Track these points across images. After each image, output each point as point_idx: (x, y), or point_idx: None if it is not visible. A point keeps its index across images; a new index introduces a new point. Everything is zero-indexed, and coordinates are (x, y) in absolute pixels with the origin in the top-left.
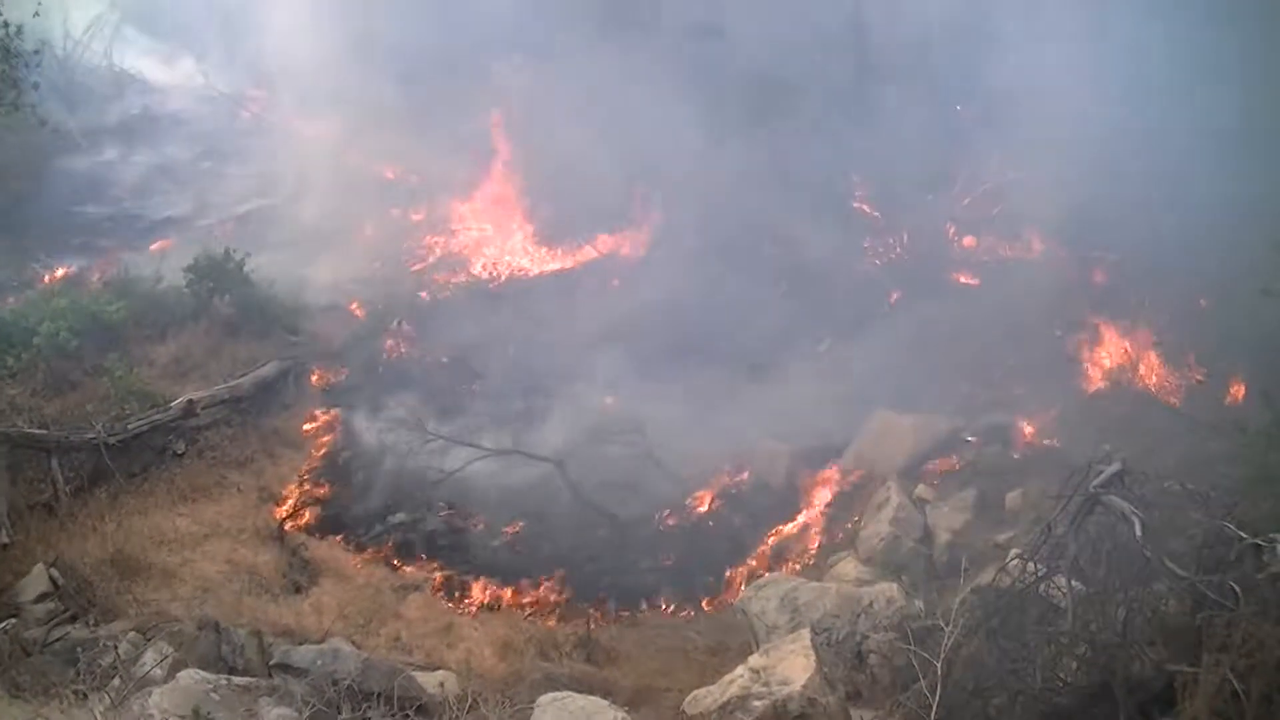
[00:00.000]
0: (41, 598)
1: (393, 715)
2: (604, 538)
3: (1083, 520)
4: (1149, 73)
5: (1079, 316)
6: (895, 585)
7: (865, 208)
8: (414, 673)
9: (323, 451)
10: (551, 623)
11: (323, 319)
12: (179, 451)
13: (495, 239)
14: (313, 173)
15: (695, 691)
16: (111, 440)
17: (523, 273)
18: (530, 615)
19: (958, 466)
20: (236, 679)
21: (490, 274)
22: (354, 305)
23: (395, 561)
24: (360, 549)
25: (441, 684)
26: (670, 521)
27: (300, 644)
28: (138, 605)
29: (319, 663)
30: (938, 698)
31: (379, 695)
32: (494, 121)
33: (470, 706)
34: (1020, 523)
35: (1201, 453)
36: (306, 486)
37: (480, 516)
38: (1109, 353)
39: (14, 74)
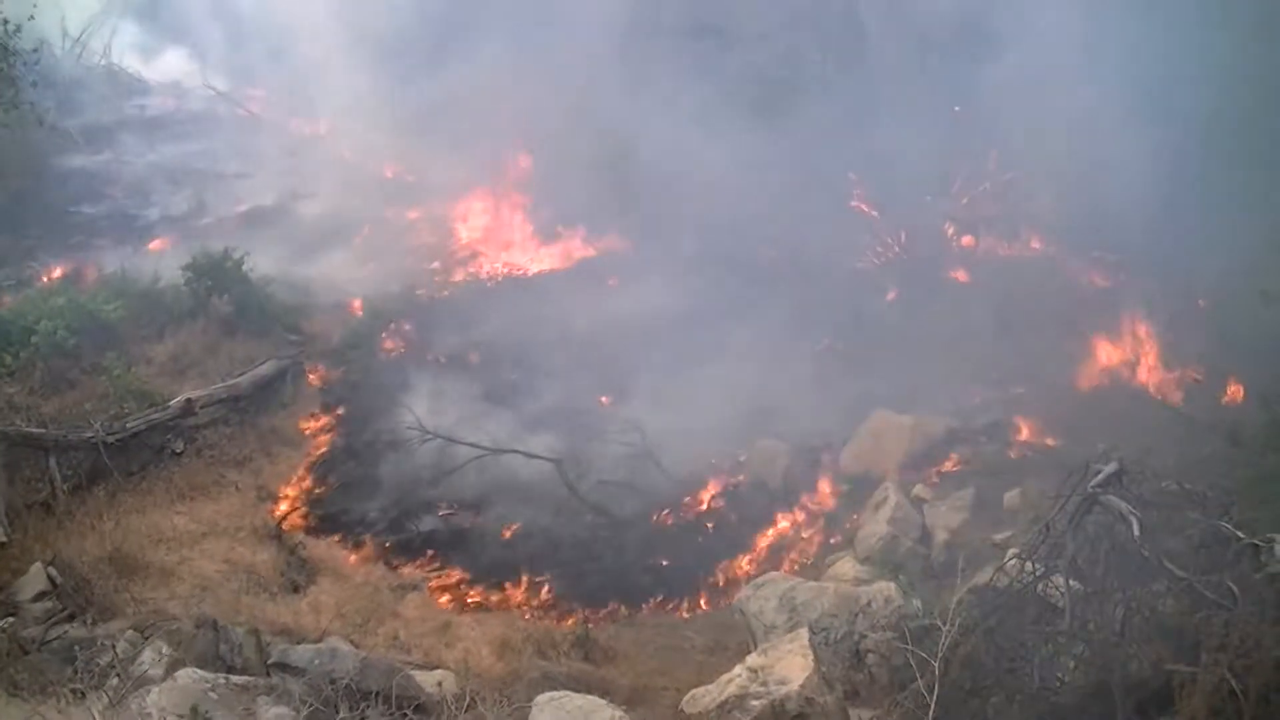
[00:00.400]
0: (39, 596)
1: (390, 714)
2: (602, 536)
3: (1081, 520)
4: (1148, 73)
5: (1077, 316)
6: (893, 585)
7: (864, 207)
8: (412, 672)
9: (321, 450)
10: (549, 622)
11: (321, 318)
12: (177, 450)
13: (494, 237)
14: (311, 172)
15: (693, 691)
16: (109, 439)
17: (520, 271)
18: (528, 614)
19: (956, 466)
20: (234, 678)
21: (488, 272)
22: (352, 304)
23: (393, 561)
24: (358, 548)
25: (439, 683)
26: (668, 520)
27: (298, 643)
28: (136, 604)
29: (317, 662)
30: (935, 697)
31: (377, 694)
32: (492, 120)
33: (468, 705)
34: (1018, 522)
35: (1199, 452)
36: (304, 485)
37: (478, 515)
38: (1107, 352)
39: (12, 72)
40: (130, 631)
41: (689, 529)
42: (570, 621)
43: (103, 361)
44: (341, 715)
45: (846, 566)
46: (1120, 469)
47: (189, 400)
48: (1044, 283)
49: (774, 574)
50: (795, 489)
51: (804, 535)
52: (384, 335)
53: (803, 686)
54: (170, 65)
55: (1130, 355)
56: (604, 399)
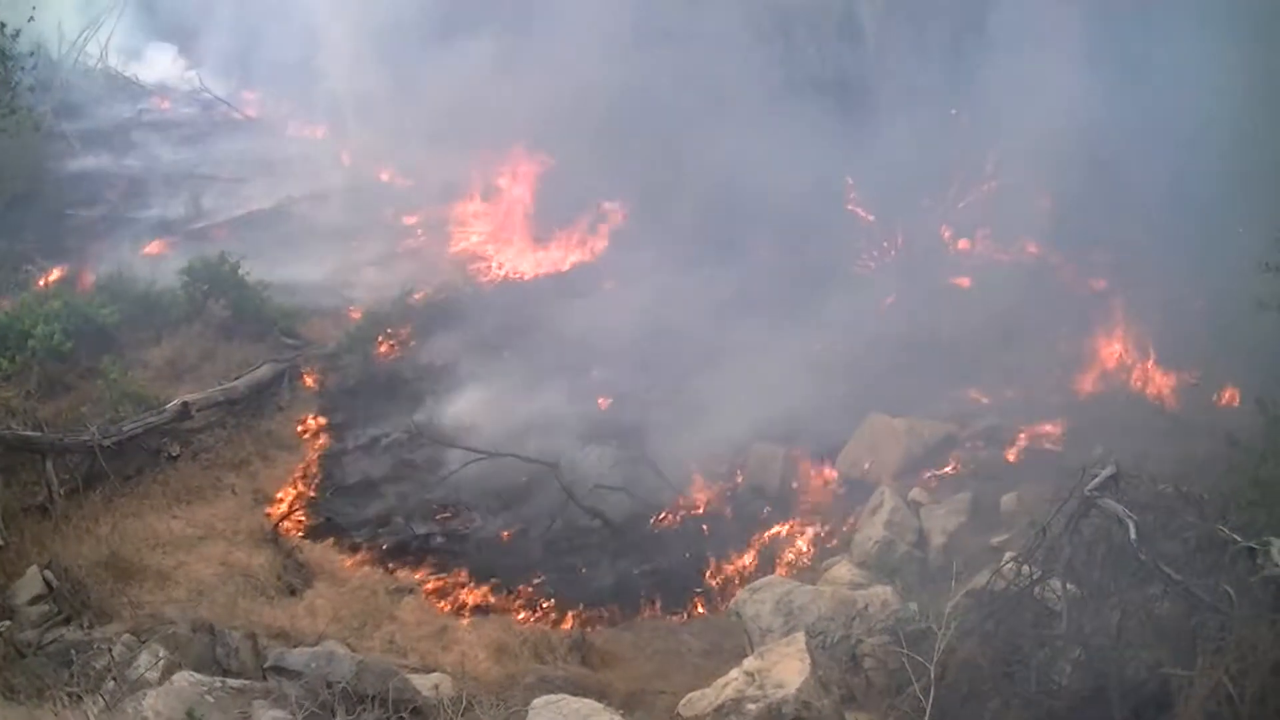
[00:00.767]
0: (35, 600)
1: (387, 718)
2: (598, 540)
3: (1077, 523)
4: (1147, 77)
5: (1074, 320)
6: (889, 588)
7: (859, 210)
8: (409, 675)
9: (317, 454)
10: (546, 625)
11: (318, 321)
12: (174, 454)
13: (491, 242)
14: (308, 176)
15: (690, 694)
16: (106, 443)
17: (518, 275)
18: (525, 618)
19: (952, 470)
20: (231, 681)
21: (486, 276)
22: (349, 308)
23: (389, 564)
24: (354, 551)
25: (436, 686)
26: (665, 524)
27: (295, 646)
28: (132, 607)
29: (313, 665)
30: (931, 701)
31: (374, 698)
32: (492, 122)
33: (465, 709)
34: (1015, 526)
35: (1196, 456)
36: (301, 489)
37: (474, 519)
38: (1104, 356)
39: (9, 76)
40: (126, 635)
41: (685, 532)
42: (567, 625)
43: (99, 365)
44: (338, 719)
45: (843, 570)
46: (1117, 472)
47: (185, 404)
48: (1041, 286)
49: (770, 577)
50: (792, 492)
51: (800, 539)
52: (381, 339)
53: (799, 690)
54: (167, 69)
55: (1127, 359)
56: (601, 402)
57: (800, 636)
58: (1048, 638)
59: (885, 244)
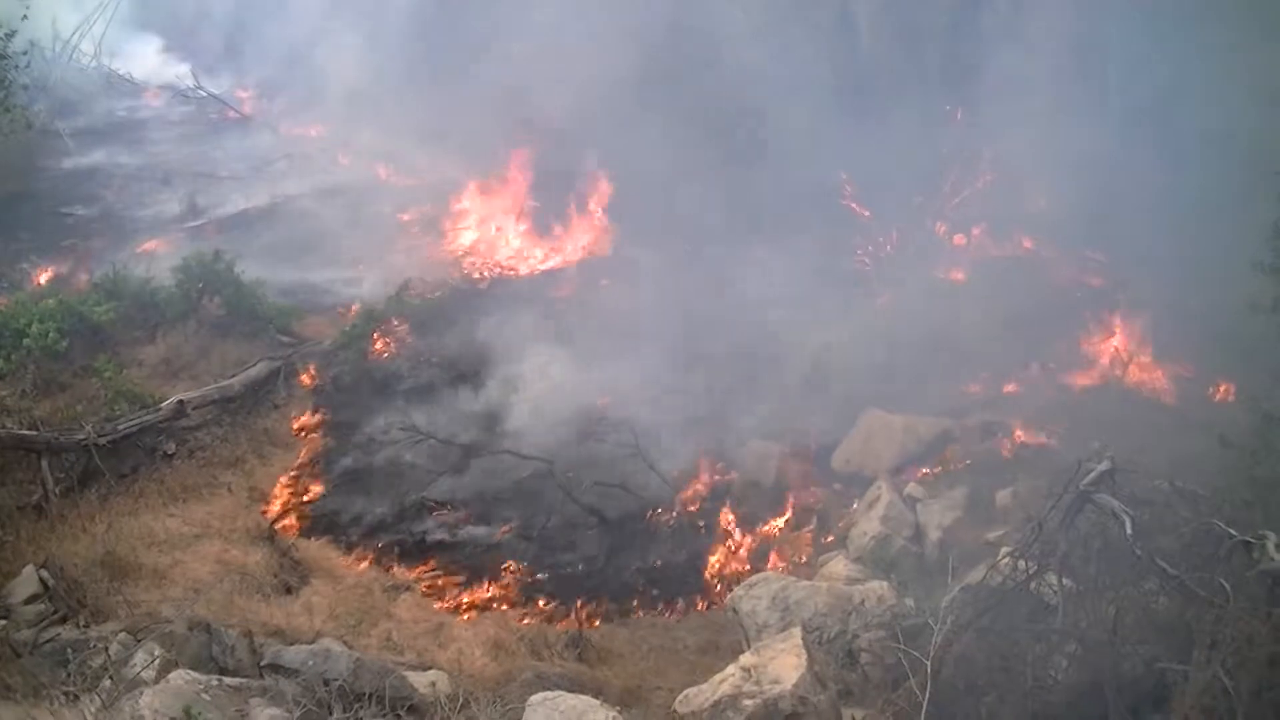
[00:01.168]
0: (32, 599)
1: (384, 715)
2: (595, 537)
3: (1073, 518)
4: (1143, 73)
5: (1069, 316)
6: (886, 583)
7: (855, 206)
8: (405, 673)
9: (313, 451)
10: (543, 622)
11: (313, 319)
12: (169, 452)
13: (486, 239)
14: (304, 173)
15: (686, 690)
16: (101, 441)
17: (511, 272)
18: (521, 615)
19: (948, 465)
20: (228, 679)
21: (480, 274)
22: (345, 305)
23: (385, 561)
24: (351, 549)
25: (433, 684)
26: (661, 521)
27: (291, 644)
28: (128, 606)
29: (310, 663)
30: (928, 696)
31: (370, 695)
32: (486, 120)
33: (462, 706)
34: (1011, 521)
35: (1191, 451)
36: (297, 486)
37: (471, 516)
38: (1099, 352)
39: (3, 75)
40: (123, 634)
41: (682, 529)
42: (564, 622)
43: (94, 363)
44: (335, 716)
45: (839, 566)
46: (1112, 468)
47: (181, 402)
48: (1036, 282)
49: (767, 573)
50: (788, 489)
51: (797, 534)
52: (376, 336)
53: (796, 686)
54: (161, 67)
55: (1122, 355)
56: (598, 399)
57: (796, 632)
58: (1044, 632)
59: (880, 239)
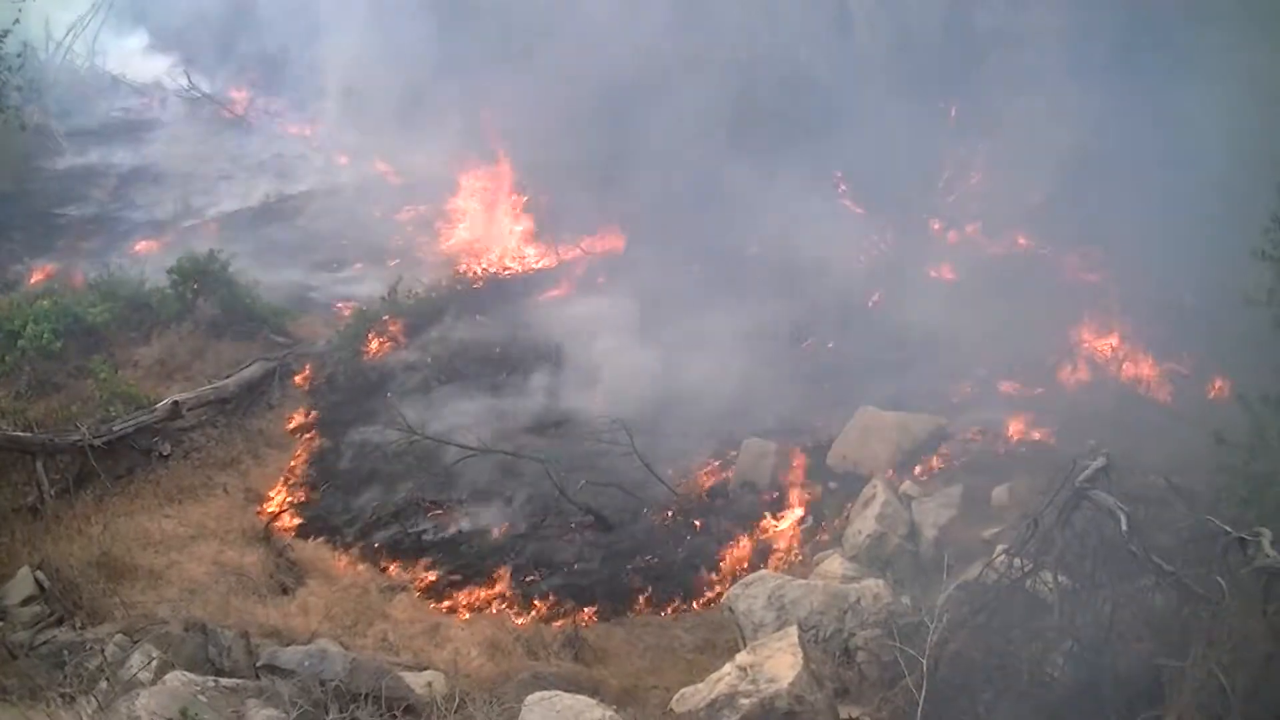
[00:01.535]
0: (27, 601)
1: (380, 716)
2: (590, 536)
3: (1069, 516)
4: (1137, 69)
5: (1064, 312)
6: (882, 582)
7: (848, 203)
8: (402, 673)
9: (308, 451)
10: (539, 622)
11: (308, 319)
12: (165, 453)
13: (483, 238)
14: (298, 173)
15: (683, 690)
16: (97, 442)
17: (508, 271)
18: (518, 615)
19: (944, 463)
20: (224, 680)
21: (476, 272)
22: (340, 305)
23: (381, 562)
24: (346, 549)
25: (429, 684)
26: (656, 520)
27: (287, 645)
28: (124, 607)
29: (306, 663)
30: (924, 694)
31: (367, 696)
32: (484, 120)
33: (458, 706)
34: (1007, 518)
35: (1187, 447)
36: (292, 487)
37: (467, 516)
38: (1095, 348)
39: None
40: (119, 635)
41: (677, 528)
42: (560, 622)
43: (89, 364)
44: (331, 717)
45: (835, 564)
46: (1108, 465)
47: (176, 403)
48: (1030, 279)
49: (763, 572)
50: (783, 487)
51: (792, 533)
52: (371, 336)
53: (792, 684)
54: (155, 67)
55: (1118, 352)
56: (594, 398)
57: (793, 631)
58: (1040, 630)
59: (874, 237)
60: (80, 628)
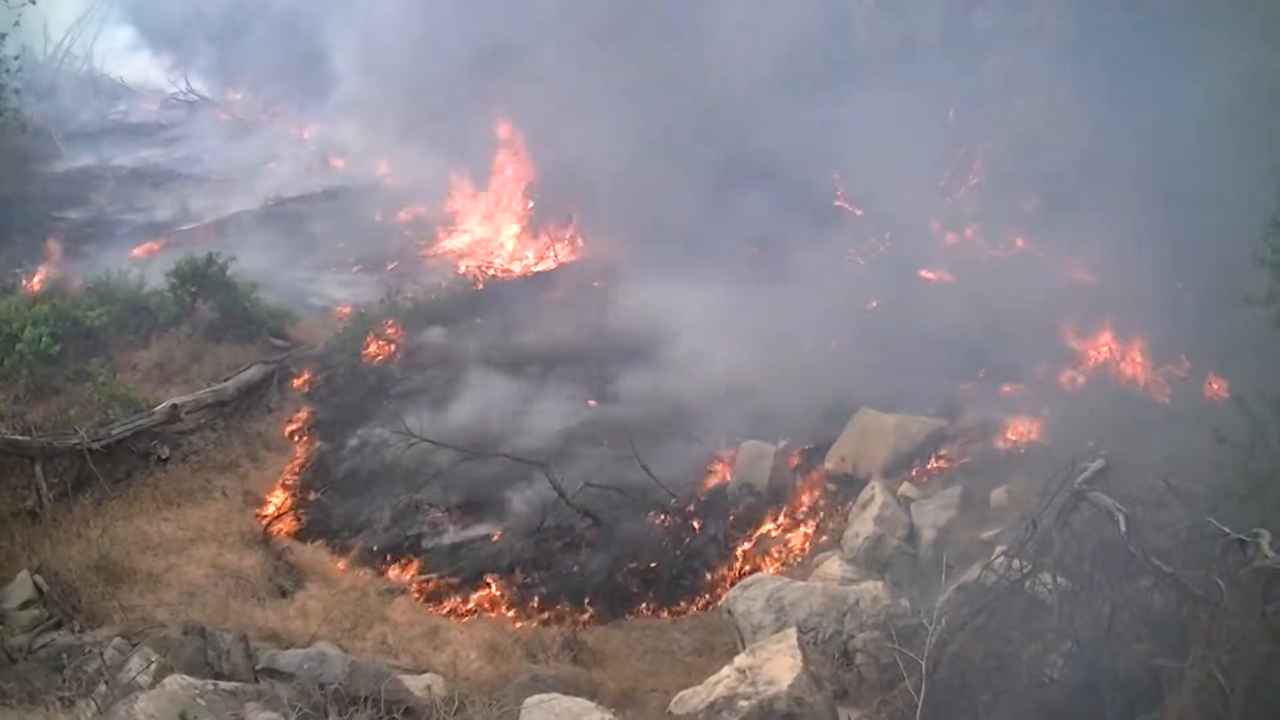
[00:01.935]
0: (26, 604)
1: (380, 719)
2: (589, 538)
3: (1068, 517)
4: (1135, 69)
5: (1063, 313)
6: (880, 584)
7: (847, 205)
8: (401, 676)
9: (306, 455)
10: (538, 624)
11: (307, 322)
12: (163, 456)
13: (481, 240)
14: (296, 175)
15: (682, 692)
16: (95, 446)
17: (506, 274)
18: (516, 617)
19: (942, 465)
20: (223, 684)
21: (475, 275)
22: (338, 308)
23: (380, 565)
24: (345, 552)
25: (428, 687)
26: (655, 522)
27: (286, 648)
28: (123, 611)
29: (305, 666)
30: (923, 696)
31: (366, 699)
32: (482, 122)
33: (457, 709)
34: (1005, 520)
35: (1185, 448)
36: (290, 490)
37: (465, 519)
38: (1093, 349)
39: None
40: (118, 639)
41: (676, 530)
42: (559, 624)
43: (88, 368)
44: None
45: (834, 566)
46: (1107, 466)
47: (175, 406)
48: (1029, 280)
49: (761, 574)
50: (782, 489)
51: (791, 535)
52: (370, 339)
53: (791, 687)
54: (153, 70)
55: (1116, 353)
56: (591, 402)
57: (791, 633)
58: (1039, 631)
59: (873, 239)
60: (79, 631)
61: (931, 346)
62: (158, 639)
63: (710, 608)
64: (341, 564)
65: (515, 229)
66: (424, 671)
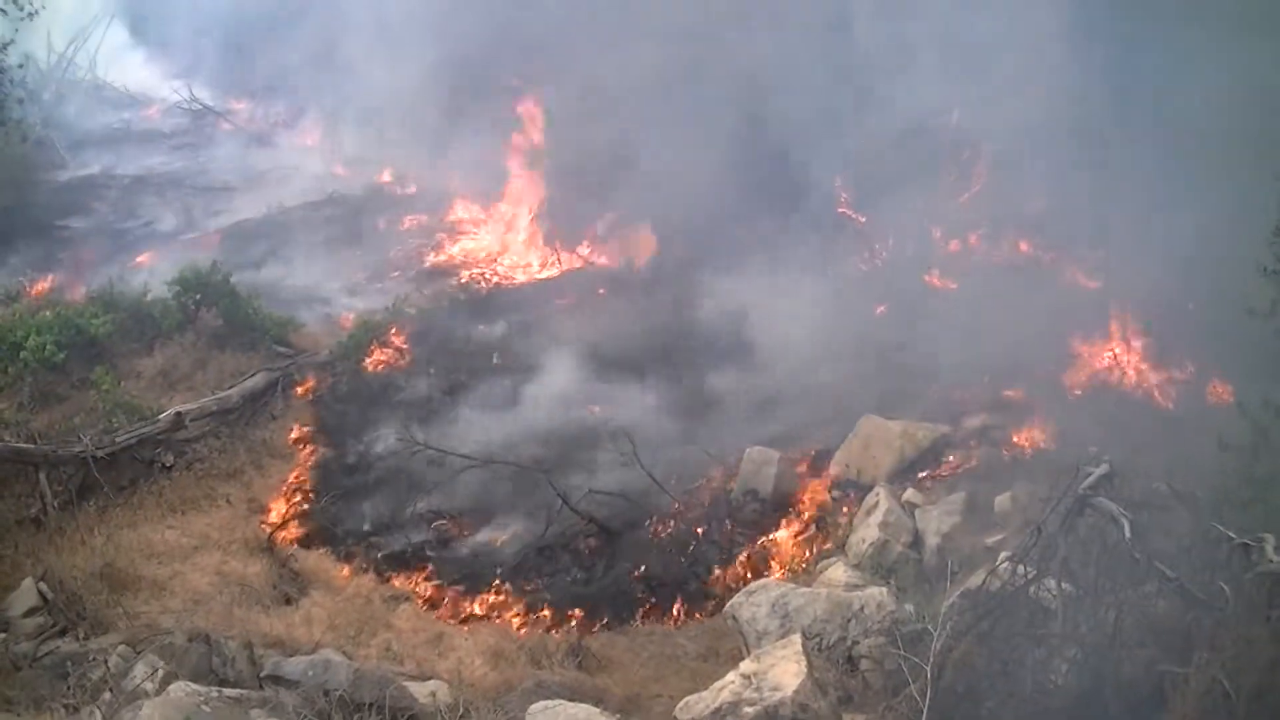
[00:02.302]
0: (31, 612)
1: None
2: (593, 545)
3: (1072, 522)
4: (1137, 74)
5: (1066, 319)
6: (885, 589)
7: (849, 212)
8: (405, 683)
9: (310, 462)
10: (542, 631)
11: (311, 330)
12: (167, 464)
13: (485, 248)
14: (300, 184)
15: (686, 698)
16: (99, 453)
17: (509, 281)
18: (521, 624)
19: (946, 470)
20: (228, 691)
21: (480, 282)
22: (342, 316)
23: (384, 572)
24: (349, 559)
25: (433, 694)
26: (660, 529)
27: (291, 655)
28: (128, 618)
29: (310, 674)
30: (928, 701)
31: (371, 706)
32: (497, 131)
33: (462, 716)
34: (1010, 525)
35: (1189, 453)
36: (294, 498)
37: (469, 526)
38: (1097, 355)
39: None
40: (123, 646)
41: (680, 537)
42: (563, 631)
43: (91, 376)
44: None
45: (838, 572)
46: (1111, 471)
47: (179, 414)
48: (1032, 285)
49: (766, 580)
50: (786, 496)
51: (795, 541)
52: (373, 347)
53: (796, 692)
54: (156, 79)
55: (1120, 358)
56: (595, 408)
57: (796, 639)
58: (1043, 637)
59: (876, 246)
60: (84, 639)
61: (935, 352)
62: (162, 646)
63: (715, 614)
64: (346, 571)
65: (521, 236)
66: (429, 678)
